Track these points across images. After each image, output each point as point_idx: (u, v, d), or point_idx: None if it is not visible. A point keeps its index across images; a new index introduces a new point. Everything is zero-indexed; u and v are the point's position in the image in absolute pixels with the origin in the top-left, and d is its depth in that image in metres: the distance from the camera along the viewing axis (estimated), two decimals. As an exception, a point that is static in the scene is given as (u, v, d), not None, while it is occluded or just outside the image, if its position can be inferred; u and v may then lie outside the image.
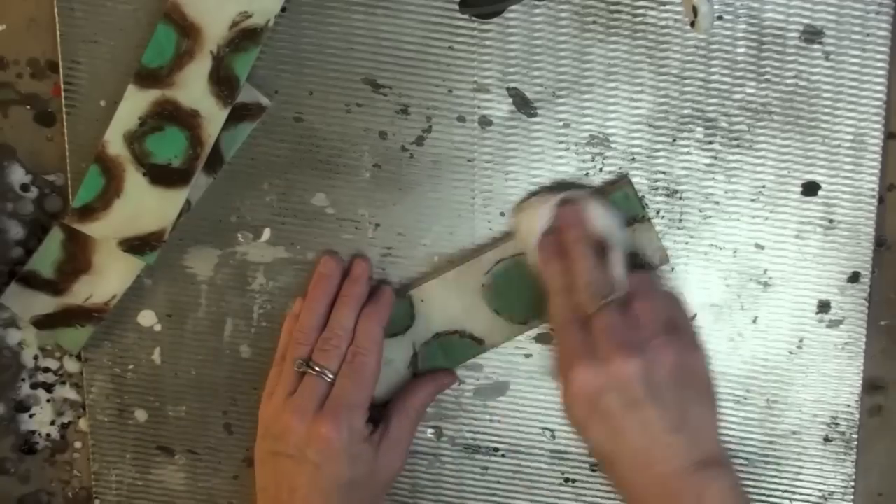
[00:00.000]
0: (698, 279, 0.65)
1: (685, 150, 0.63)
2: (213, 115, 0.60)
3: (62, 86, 0.63)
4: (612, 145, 0.63)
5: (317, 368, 0.61)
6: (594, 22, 0.62)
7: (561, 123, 0.63)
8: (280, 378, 0.63)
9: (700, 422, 0.58)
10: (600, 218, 0.61)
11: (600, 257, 0.60)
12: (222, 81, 0.60)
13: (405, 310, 0.64)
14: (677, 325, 0.59)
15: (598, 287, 0.59)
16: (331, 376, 0.61)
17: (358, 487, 0.61)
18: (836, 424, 0.66)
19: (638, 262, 0.63)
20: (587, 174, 0.63)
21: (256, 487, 0.63)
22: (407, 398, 0.64)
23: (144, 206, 0.61)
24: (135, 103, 0.60)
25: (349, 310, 0.63)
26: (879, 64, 0.62)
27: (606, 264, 0.60)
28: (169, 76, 0.60)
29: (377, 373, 0.62)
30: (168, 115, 0.60)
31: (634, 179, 0.63)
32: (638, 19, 0.62)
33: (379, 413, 0.64)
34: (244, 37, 0.60)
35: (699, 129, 0.63)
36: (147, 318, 0.66)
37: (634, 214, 0.63)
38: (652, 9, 0.61)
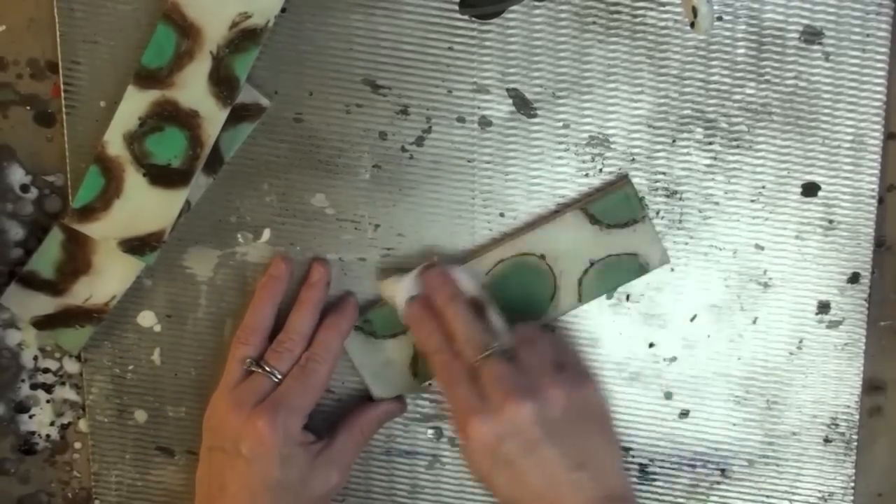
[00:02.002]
0: (698, 280, 0.65)
1: (685, 150, 0.63)
2: (213, 116, 0.60)
3: (62, 86, 0.63)
4: (612, 146, 0.63)
5: (266, 368, 0.61)
6: (594, 23, 0.62)
7: (561, 124, 0.63)
8: (229, 372, 0.63)
9: (602, 456, 0.58)
10: (464, 281, 0.62)
11: (474, 313, 0.61)
12: (222, 82, 0.60)
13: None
14: (565, 364, 0.60)
15: (480, 339, 0.60)
16: (279, 377, 0.61)
17: (287, 493, 0.60)
18: (836, 425, 0.66)
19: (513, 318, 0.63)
20: (587, 175, 0.63)
21: (196, 477, 0.63)
22: (357, 418, 0.65)
23: (144, 206, 0.61)
24: (134, 104, 0.60)
25: (307, 314, 0.63)
26: (879, 64, 0.62)
27: (484, 319, 0.61)
28: (169, 76, 0.60)
29: (325, 383, 0.62)
30: (168, 115, 0.60)
31: (634, 180, 0.63)
32: (638, 20, 0.62)
33: (326, 428, 0.64)
34: (244, 37, 0.60)
35: (699, 129, 0.63)
36: (147, 318, 0.66)
37: (634, 216, 0.63)
38: (652, 9, 0.61)
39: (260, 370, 0.62)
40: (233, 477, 0.60)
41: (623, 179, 0.63)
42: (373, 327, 0.64)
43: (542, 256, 0.63)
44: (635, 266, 0.63)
